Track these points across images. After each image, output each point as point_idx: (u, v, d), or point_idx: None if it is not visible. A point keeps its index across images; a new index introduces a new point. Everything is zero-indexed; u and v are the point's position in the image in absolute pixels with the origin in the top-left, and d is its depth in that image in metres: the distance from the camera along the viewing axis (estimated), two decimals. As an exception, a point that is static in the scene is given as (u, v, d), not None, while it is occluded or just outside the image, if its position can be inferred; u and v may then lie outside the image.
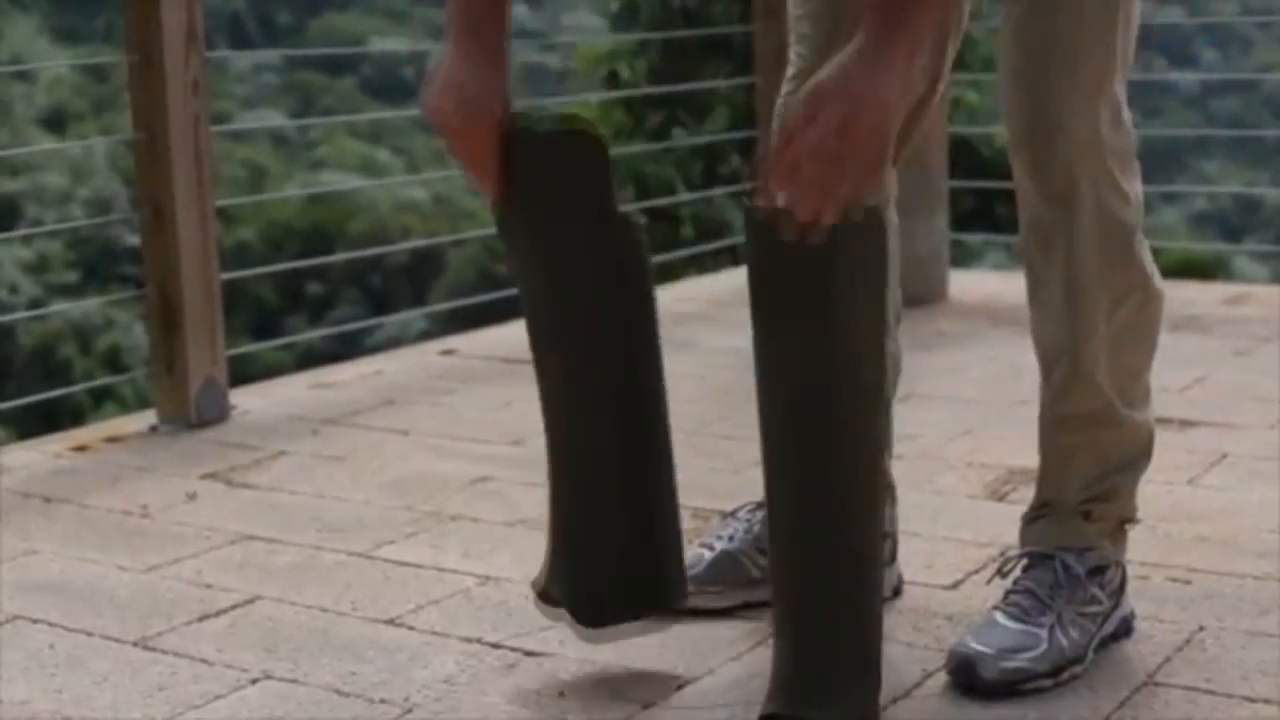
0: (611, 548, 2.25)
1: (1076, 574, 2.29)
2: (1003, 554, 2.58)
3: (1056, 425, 2.35)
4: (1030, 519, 2.39)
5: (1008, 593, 2.31)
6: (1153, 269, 2.33)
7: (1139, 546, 2.58)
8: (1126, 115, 2.27)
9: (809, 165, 1.89)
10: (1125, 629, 2.36)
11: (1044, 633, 2.23)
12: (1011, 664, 2.18)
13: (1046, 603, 2.27)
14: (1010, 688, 2.17)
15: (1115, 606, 2.33)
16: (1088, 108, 2.21)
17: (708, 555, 2.54)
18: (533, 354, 2.30)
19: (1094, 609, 2.28)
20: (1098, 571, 2.31)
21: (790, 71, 2.45)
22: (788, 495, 2.05)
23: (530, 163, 2.16)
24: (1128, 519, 2.38)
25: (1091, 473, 2.33)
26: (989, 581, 2.42)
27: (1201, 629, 2.39)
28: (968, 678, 2.19)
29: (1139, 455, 2.37)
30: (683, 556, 2.29)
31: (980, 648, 2.20)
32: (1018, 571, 2.34)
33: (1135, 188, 2.29)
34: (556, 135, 2.14)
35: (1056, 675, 2.20)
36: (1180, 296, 4.91)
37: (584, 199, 2.17)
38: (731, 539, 2.55)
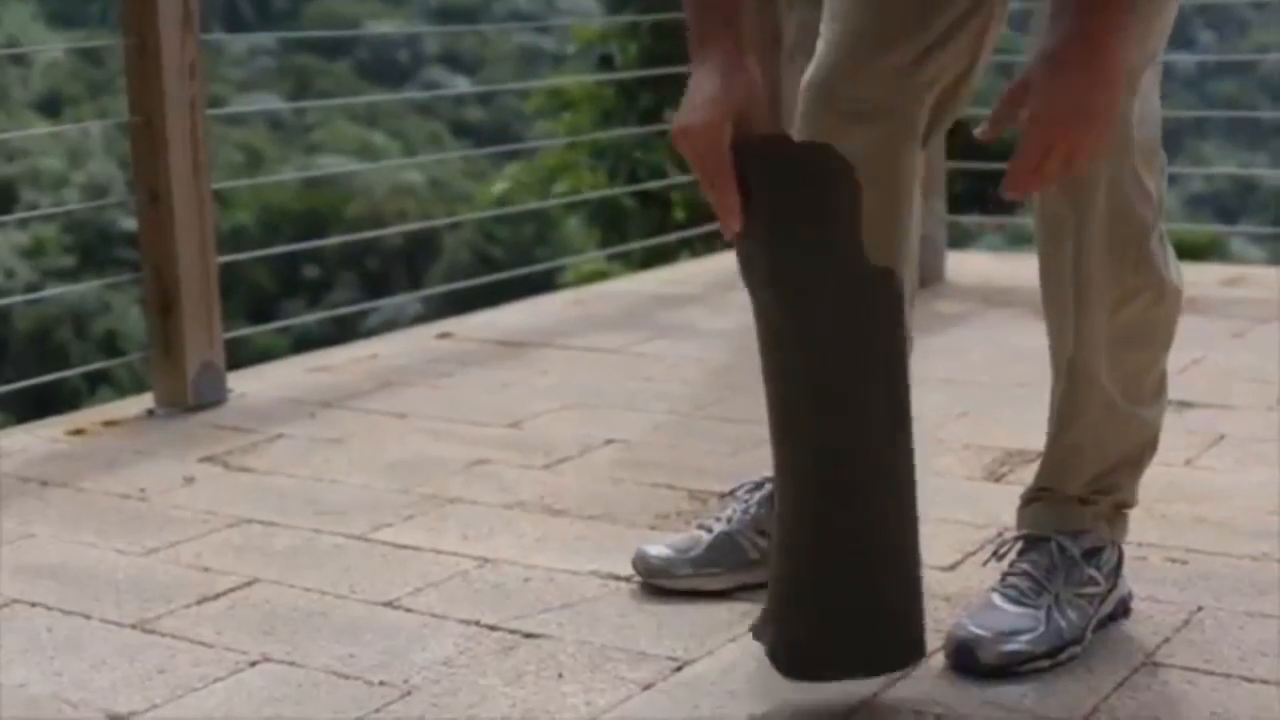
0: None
1: (1072, 556, 2.29)
2: (1000, 535, 2.58)
3: (1060, 423, 2.35)
4: (1027, 501, 2.39)
5: (1004, 575, 2.31)
6: (1170, 266, 2.30)
7: (1137, 528, 2.58)
8: (1155, 109, 2.25)
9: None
10: (1123, 609, 2.36)
11: (1041, 614, 2.23)
12: (1010, 646, 2.18)
13: (1044, 584, 2.26)
14: (1008, 670, 2.17)
15: (1113, 587, 2.33)
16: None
17: (706, 537, 2.55)
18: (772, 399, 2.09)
19: (1091, 590, 2.28)
20: (1094, 553, 2.31)
21: (816, 63, 2.36)
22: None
23: (772, 185, 1.99)
24: (1126, 504, 2.38)
25: (1093, 469, 2.33)
26: (985, 564, 2.42)
27: (1200, 609, 2.40)
28: (967, 660, 2.19)
29: (1143, 451, 2.37)
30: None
31: (978, 631, 2.20)
32: (1014, 554, 2.34)
33: (1158, 184, 2.26)
34: (803, 159, 2.00)
35: (1054, 656, 2.20)
36: (1177, 278, 4.91)
37: (833, 237, 2.00)
38: (730, 520, 2.55)
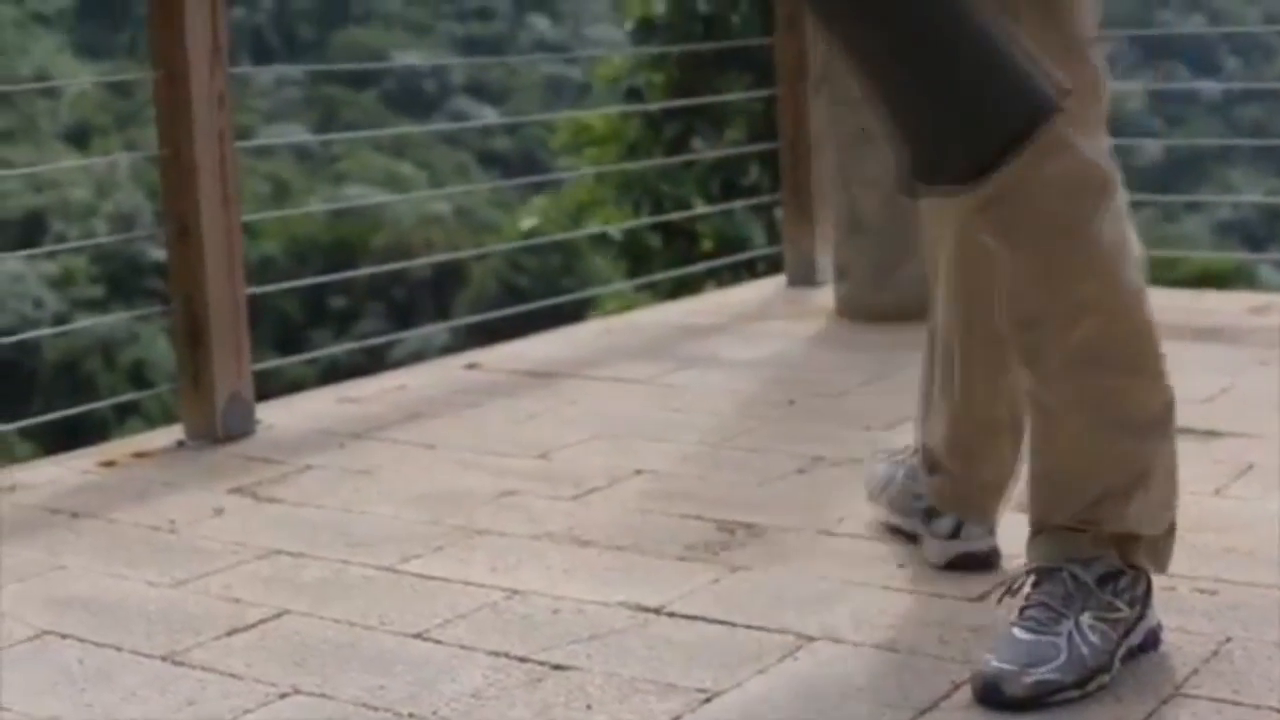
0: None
1: (1086, 583, 2.28)
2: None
3: (1030, 454, 2.37)
4: (1032, 534, 2.39)
5: (1022, 609, 2.30)
6: (1121, 281, 2.27)
7: (1165, 557, 2.59)
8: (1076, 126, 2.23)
9: None
10: (1153, 641, 2.35)
11: (1062, 641, 2.22)
12: (1035, 677, 2.18)
13: (1061, 612, 2.25)
14: (1037, 701, 2.17)
15: (1140, 617, 2.32)
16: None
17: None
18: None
19: (1115, 616, 2.27)
20: (1110, 578, 2.29)
21: None
22: None
23: None
24: (1132, 534, 2.34)
25: (1072, 501, 2.32)
26: (999, 601, 2.40)
27: (1229, 640, 2.39)
28: (994, 696, 2.18)
29: (1130, 483, 2.31)
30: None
31: (1003, 665, 2.19)
32: (1028, 587, 2.34)
33: (1093, 204, 2.23)
34: None
35: (1083, 686, 2.20)
36: (1204, 306, 4.90)
37: None
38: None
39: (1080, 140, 2.22)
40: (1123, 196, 2.29)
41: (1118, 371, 2.29)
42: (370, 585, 2.77)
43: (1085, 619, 2.25)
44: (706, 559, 2.81)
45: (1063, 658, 2.20)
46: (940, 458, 2.70)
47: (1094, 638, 2.23)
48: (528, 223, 14.45)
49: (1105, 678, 2.22)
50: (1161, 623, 2.37)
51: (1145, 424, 2.33)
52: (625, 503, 3.19)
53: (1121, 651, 2.27)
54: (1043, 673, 2.18)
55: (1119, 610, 2.27)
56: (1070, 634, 2.22)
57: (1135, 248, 2.31)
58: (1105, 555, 2.31)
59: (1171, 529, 2.39)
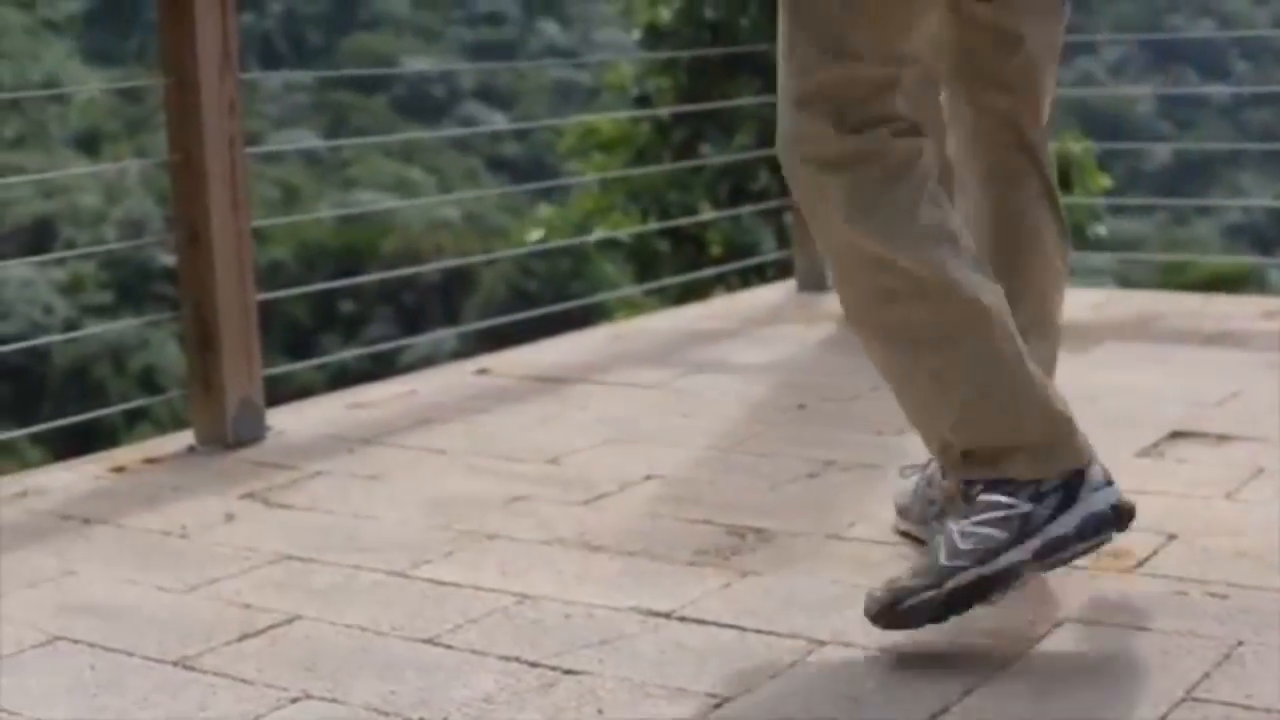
0: None
1: (954, 496, 2.46)
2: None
3: None
4: None
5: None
6: (875, 222, 2.44)
7: (1176, 561, 2.58)
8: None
9: None
10: (1103, 522, 2.40)
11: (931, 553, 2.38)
12: (890, 588, 2.33)
13: (935, 529, 2.47)
14: (894, 607, 2.31)
15: (1057, 508, 2.37)
16: (786, 91, 2.43)
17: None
18: None
19: (996, 514, 2.35)
20: (980, 487, 2.39)
21: None
22: None
23: None
24: (966, 450, 2.42)
25: (916, 427, 2.50)
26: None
27: (1240, 644, 2.39)
28: (871, 620, 2.34)
29: (932, 400, 2.44)
30: None
31: (874, 592, 2.36)
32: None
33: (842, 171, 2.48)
34: None
35: (940, 585, 2.31)
36: (1214, 310, 4.89)
37: None
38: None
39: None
40: (902, 166, 2.43)
41: (896, 298, 2.40)
42: (381, 590, 2.77)
43: (961, 526, 2.36)
44: (717, 564, 2.81)
45: (920, 566, 2.36)
46: None
47: (963, 543, 2.33)
48: (534, 235, 14.46)
49: (982, 570, 2.32)
50: (1119, 500, 2.42)
51: (931, 339, 2.40)
52: (635, 507, 3.19)
53: (1034, 544, 2.34)
54: (900, 582, 2.33)
55: (1003, 508, 2.35)
56: (939, 546, 2.36)
57: (903, 202, 2.42)
58: (971, 468, 2.41)
59: (1052, 440, 2.41)
